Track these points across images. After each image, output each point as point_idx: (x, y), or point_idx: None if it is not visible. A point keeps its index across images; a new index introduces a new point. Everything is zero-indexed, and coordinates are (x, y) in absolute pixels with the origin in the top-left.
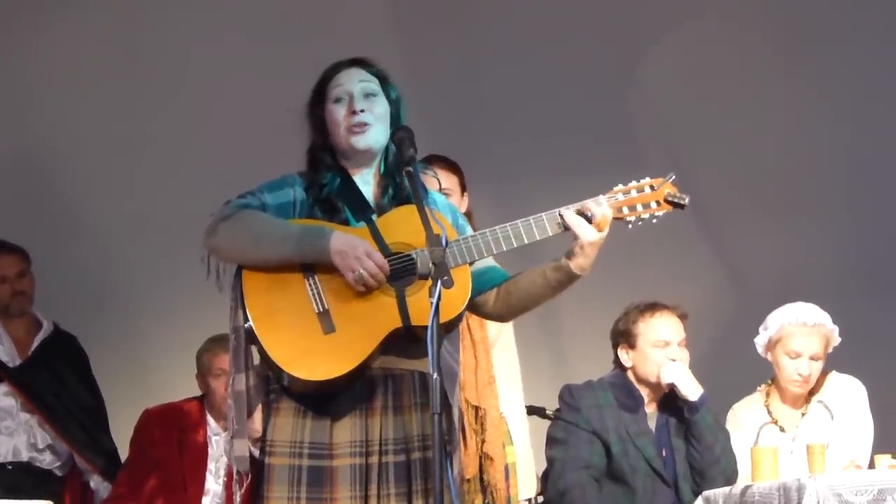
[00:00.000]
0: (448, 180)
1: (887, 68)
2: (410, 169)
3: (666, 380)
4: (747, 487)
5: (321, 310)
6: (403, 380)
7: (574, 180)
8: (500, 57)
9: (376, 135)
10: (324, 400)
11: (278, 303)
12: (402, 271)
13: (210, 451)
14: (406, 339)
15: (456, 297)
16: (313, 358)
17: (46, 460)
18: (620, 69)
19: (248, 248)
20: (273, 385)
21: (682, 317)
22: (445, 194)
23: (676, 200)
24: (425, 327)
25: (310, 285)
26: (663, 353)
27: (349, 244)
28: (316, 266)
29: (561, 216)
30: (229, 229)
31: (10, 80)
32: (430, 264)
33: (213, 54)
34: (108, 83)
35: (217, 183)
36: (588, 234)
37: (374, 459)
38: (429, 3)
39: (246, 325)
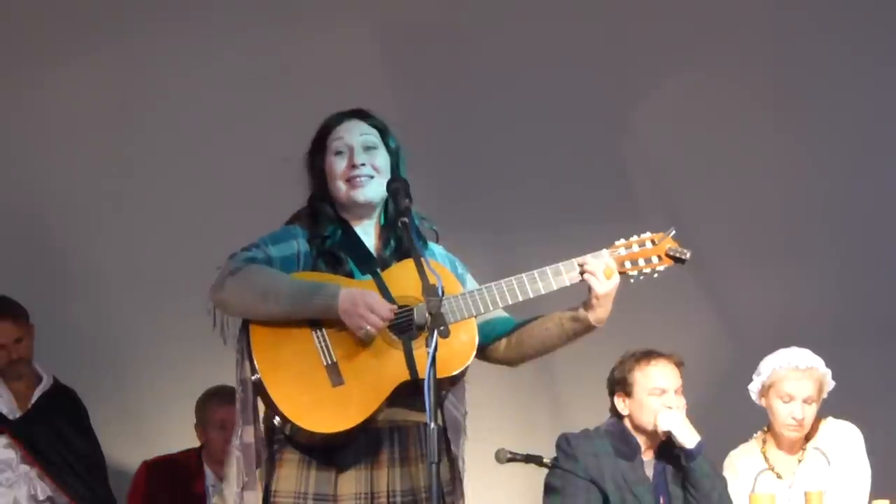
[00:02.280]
0: None
1: (878, 118)
2: (405, 219)
3: (662, 427)
4: None
5: (329, 362)
6: (409, 432)
7: (569, 230)
8: (494, 106)
9: (376, 188)
10: (329, 451)
11: (286, 355)
12: (408, 324)
13: (208, 502)
14: (412, 392)
15: (462, 351)
16: (322, 410)
17: None
18: (615, 120)
19: (255, 303)
20: (278, 436)
21: (679, 364)
22: None
23: (678, 255)
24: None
25: (317, 338)
26: (660, 400)
27: (353, 301)
28: (323, 318)
29: (580, 266)
30: (236, 284)
31: (2, 134)
32: (427, 314)
33: (206, 107)
34: (101, 137)
35: (212, 235)
36: (599, 286)
37: None
38: (422, 55)
39: (254, 378)
